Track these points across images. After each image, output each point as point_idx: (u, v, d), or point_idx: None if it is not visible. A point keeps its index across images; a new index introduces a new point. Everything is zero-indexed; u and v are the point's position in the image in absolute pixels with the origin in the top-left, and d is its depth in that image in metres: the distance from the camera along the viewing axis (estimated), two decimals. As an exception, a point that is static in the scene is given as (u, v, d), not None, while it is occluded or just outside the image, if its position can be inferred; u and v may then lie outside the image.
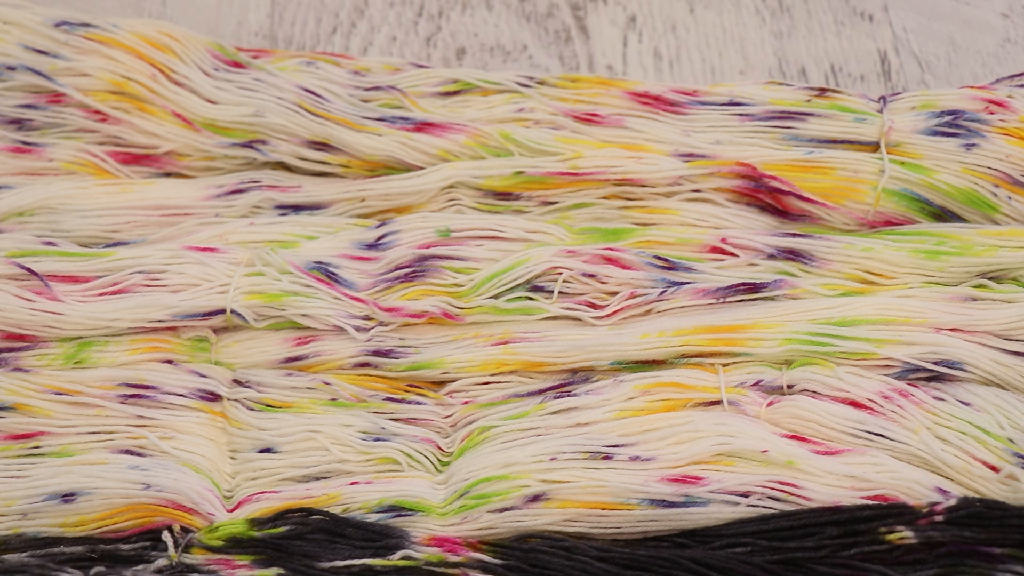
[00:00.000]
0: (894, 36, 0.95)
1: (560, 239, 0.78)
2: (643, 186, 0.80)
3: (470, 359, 0.75)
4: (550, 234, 0.78)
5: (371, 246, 0.78)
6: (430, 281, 0.76)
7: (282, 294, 0.75)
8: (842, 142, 0.81)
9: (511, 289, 0.76)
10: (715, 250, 0.78)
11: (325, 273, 0.76)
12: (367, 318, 0.76)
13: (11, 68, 0.81)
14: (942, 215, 0.80)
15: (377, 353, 0.75)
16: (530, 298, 0.76)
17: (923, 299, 0.76)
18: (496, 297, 0.76)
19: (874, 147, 0.81)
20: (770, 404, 0.73)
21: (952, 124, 0.81)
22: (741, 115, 0.82)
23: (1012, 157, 0.79)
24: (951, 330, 0.75)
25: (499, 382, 0.75)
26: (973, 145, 0.80)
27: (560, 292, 0.76)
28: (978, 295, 0.76)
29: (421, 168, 0.81)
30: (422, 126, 0.81)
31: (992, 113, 0.81)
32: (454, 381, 0.76)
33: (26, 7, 0.82)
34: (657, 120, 0.83)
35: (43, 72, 0.80)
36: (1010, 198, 0.79)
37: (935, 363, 0.74)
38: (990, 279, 0.77)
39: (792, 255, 0.77)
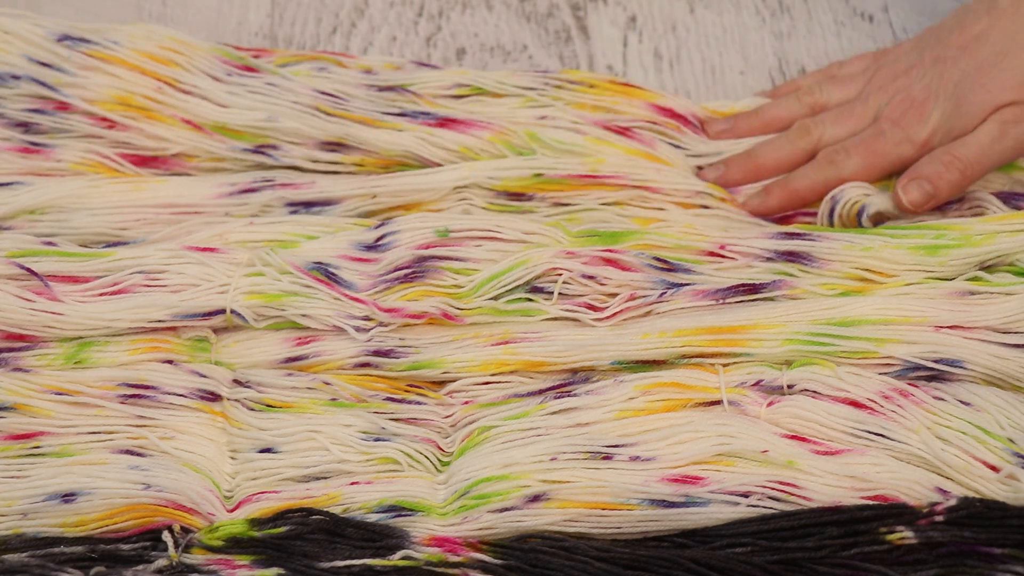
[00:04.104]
0: (894, 36, 0.95)
1: (558, 241, 0.78)
2: (659, 193, 0.81)
3: (470, 359, 0.75)
4: (548, 236, 0.78)
5: (370, 247, 0.77)
6: (430, 282, 0.76)
7: (282, 294, 0.75)
8: None
9: (511, 290, 0.76)
10: (714, 255, 0.77)
11: (325, 274, 0.76)
12: (367, 318, 0.76)
13: (16, 77, 0.81)
14: None
15: (377, 353, 0.75)
16: (530, 299, 0.76)
17: (922, 297, 0.76)
18: (496, 298, 0.76)
19: None
20: (770, 404, 0.73)
21: None
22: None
23: None
24: (951, 327, 0.74)
25: (499, 382, 0.75)
26: None
27: (560, 294, 0.76)
28: (975, 289, 0.76)
29: (438, 165, 0.81)
30: (444, 121, 0.81)
31: None
32: (454, 381, 0.76)
33: (28, 17, 0.82)
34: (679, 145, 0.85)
35: (48, 83, 0.80)
36: None
37: (935, 361, 0.74)
38: (987, 268, 0.77)
39: (792, 257, 0.77)
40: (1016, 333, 0.74)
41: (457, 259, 0.77)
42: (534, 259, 0.76)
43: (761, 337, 0.74)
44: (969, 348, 0.74)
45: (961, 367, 0.74)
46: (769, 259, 0.77)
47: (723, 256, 0.77)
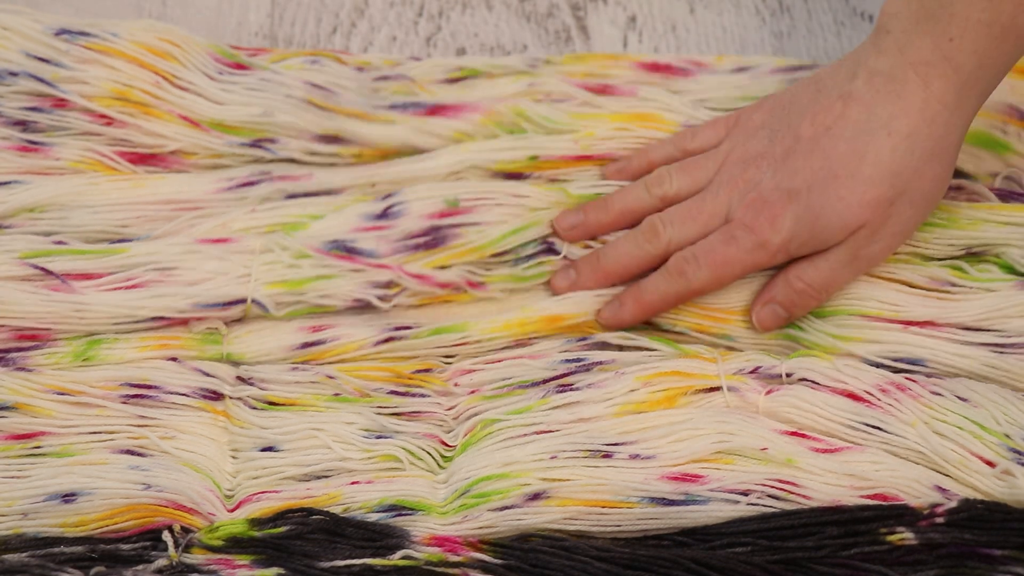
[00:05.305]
0: (894, 36, 0.94)
1: (560, 202, 0.79)
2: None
3: (491, 320, 0.76)
4: (551, 197, 0.79)
5: (381, 216, 0.78)
6: (451, 245, 0.76)
7: (304, 280, 0.75)
8: None
9: (525, 247, 0.78)
10: None
11: (344, 250, 0.76)
12: (390, 284, 0.76)
13: (13, 74, 0.81)
14: None
15: (398, 328, 0.76)
16: (543, 262, 0.78)
17: (902, 292, 0.76)
18: (515, 263, 0.77)
19: None
20: (769, 392, 0.73)
21: None
22: (749, 76, 0.85)
23: (1017, 89, 0.80)
24: (924, 323, 0.75)
25: (506, 358, 0.76)
26: None
27: (564, 256, 0.78)
28: (956, 280, 0.76)
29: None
30: (435, 109, 0.82)
31: None
32: (466, 357, 0.76)
33: (26, 13, 0.82)
34: (668, 88, 0.85)
35: (45, 79, 0.80)
36: (1020, 133, 0.80)
37: (896, 360, 0.75)
38: (974, 254, 0.78)
39: None
40: (984, 331, 0.75)
41: (471, 224, 0.77)
42: (546, 218, 0.78)
43: (741, 320, 0.77)
44: (930, 347, 0.74)
45: (923, 365, 0.74)
46: None
47: None
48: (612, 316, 0.77)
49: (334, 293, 0.76)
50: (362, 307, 0.77)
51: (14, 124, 0.81)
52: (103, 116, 0.81)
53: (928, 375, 0.74)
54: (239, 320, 0.77)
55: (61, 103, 0.81)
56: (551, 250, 0.79)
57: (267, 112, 0.81)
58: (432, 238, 0.77)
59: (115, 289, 0.75)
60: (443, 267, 0.77)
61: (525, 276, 0.78)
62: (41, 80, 0.80)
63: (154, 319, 0.75)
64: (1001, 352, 0.74)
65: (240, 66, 0.83)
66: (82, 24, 0.82)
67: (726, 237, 0.75)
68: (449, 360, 0.77)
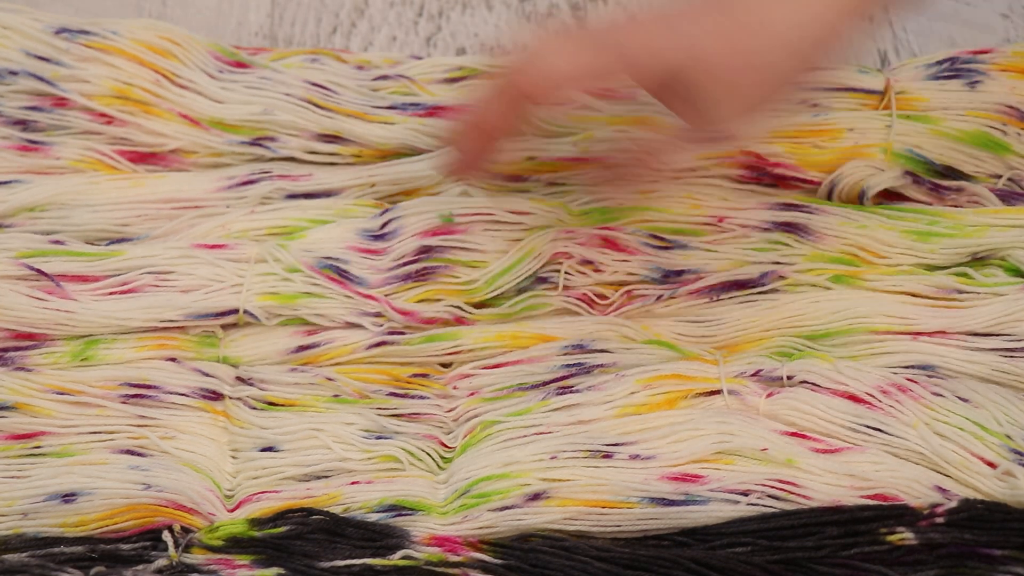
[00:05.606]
0: (894, 36, 0.95)
1: (560, 220, 0.78)
2: (651, 170, 0.81)
3: (484, 330, 0.76)
4: (551, 215, 0.78)
5: (377, 236, 0.78)
6: (441, 279, 0.76)
7: (296, 295, 0.75)
8: (847, 89, 0.83)
9: (520, 282, 0.77)
10: (713, 226, 0.78)
11: (336, 271, 0.76)
12: (378, 315, 0.76)
13: (13, 73, 0.81)
14: (945, 176, 0.81)
15: (392, 333, 0.75)
16: (534, 296, 0.77)
17: (909, 303, 0.76)
18: (507, 296, 0.77)
19: (879, 96, 0.82)
20: (769, 395, 0.73)
21: (951, 68, 0.83)
22: None
23: (1017, 89, 0.80)
24: (935, 333, 0.75)
25: (506, 363, 0.76)
26: (977, 82, 0.81)
27: (563, 286, 0.77)
28: (963, 287, 0.76)
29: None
30: (434, 110, 0.82)
31: (984, 52, 0.83)
32: (461, 365, 0.76)
33: (26, 12, 0.82)
34: None
35: (45, 78, 0.80)
36: (1020, 134, 0.80)
37: (906, 367, 0.75)
38: (979, 259, 0.78)
39: (789, 228, 0.78)
40: (994, 336, 0.75)
41: (464, 248, 0.77)
42: (539, 246, 0.77)
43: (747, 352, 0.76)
44: (940, 355, 0.74)
45: (933, 370, 0.74)
46: (767, 229, 0.78)
47: (722, 229, 0.78)
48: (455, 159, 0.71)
49: (326, 313, 0.76)
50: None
51: (14, 123, 0.81)
52: (103, 115, 0.81)
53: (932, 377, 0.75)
54: (236, 324, 0.77)
55: (61, 102, 0.81)
56: (545, 280, 0.78)
57: (267, 110, 0.81)
58: (424, 266, 0.76)
59: (110, 294, 0.75)
60: (431, 300, 0.76)
61: (514, 311, 0.77)
62: (41, 79, 0.80)
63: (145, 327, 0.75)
64: (1011, 356, 0.74)
65: (240, 64, 0.83)
66: (82, 23, 0.82)
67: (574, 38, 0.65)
68: (446, 368, 0.77)
